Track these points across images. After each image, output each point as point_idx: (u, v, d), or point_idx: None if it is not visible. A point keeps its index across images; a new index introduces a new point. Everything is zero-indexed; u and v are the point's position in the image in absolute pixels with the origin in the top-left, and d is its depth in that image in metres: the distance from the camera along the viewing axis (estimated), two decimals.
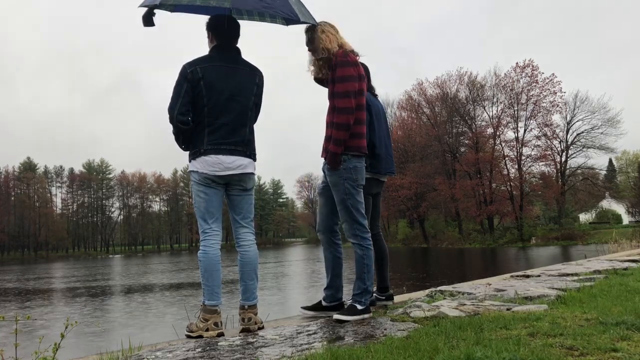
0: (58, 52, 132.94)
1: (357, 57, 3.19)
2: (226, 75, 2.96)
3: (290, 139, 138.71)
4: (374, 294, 3.71)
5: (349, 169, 3.11)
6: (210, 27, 3.07)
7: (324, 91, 3.33)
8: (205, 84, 2.90)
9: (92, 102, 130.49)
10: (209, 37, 3.09)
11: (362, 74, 3.15)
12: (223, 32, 3.03)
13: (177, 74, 2.95)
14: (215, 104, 2.92)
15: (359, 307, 3.10)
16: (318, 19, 3.20)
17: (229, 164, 2.92)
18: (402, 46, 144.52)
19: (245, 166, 2.98)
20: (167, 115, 2.92)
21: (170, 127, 2.96)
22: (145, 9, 2.89)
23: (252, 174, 3.06)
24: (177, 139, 3.00)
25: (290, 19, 3.07)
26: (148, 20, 2.91)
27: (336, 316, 3.08)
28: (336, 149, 3.05)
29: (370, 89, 3.77)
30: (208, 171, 2.91)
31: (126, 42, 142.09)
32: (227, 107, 2.94)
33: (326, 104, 3.34)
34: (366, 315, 3.10)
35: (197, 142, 2.94)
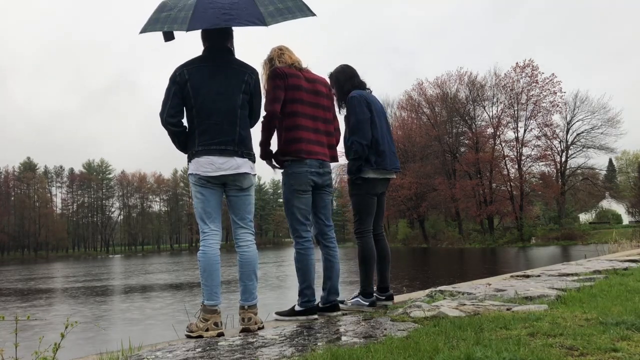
0: (54, 52, 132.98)
1: (295, 70, 3.34)
2: (211, 75, 2.97)
3: None
4: (374, 294, 3.71)
5: (288, 174, 3.32)
6: (201, 36, 3.12)
7: None
8: (192, 85, 2.92)
9: (90, 102, 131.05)
10: (202, 42, 3.13)
11: (294, 83, 3.29)
12: (211, 35, 3.05)
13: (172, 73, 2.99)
14: (202, 104, 2.93)
15: (296, 308, 3.29)
16: (313, 22, 3.17)
17: (220, 164, 2.91)
18: (402, 47, 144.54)
19: (238, 166, 2.96)
20: (159, 120, 2.95)
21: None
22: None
23: (248, 173, 3.03)
24: (173, 142, 3.03)
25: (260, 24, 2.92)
26: (168, 35, 2.97)
27: (274, 313, 3.38)
28: (260, 151, 3.33)
29: (362, 85, 3.82)
30: (201, 172, 2.92)
31: (122, 42, 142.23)
32: (214, 107, 2.94)
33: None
34: (302, 317, 3.23)
35: (191, 144, 2.96)
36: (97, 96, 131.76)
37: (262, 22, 2.86)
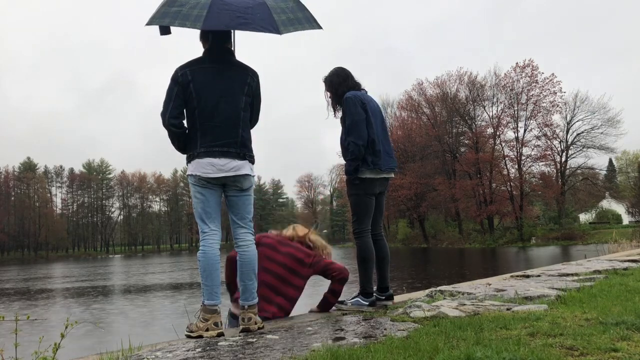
0: (52, 51, 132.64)
1: None
2: (215, 77, 2.96)
3: (290, 138, 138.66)
4: (374, 294, 3.70)
5: None
6: (200, 36, 3.11)
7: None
8: (195, 86, 2.92)
9: (88, 101, 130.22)
10: (201, 42, 3.12)
11: None
12: (212, 36, 3.04)
13: (171, 72, 2.97)
14: (205, 106, 2.92)
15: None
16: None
17: (221, 166, 2.91)
18: (401, 47, 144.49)
19: (239, 168, 2.97)
20: (160, 120, 2.95)
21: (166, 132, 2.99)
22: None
23: (248, 175, 3.03)
24: (173, 143, 3.02)
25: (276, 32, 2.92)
26: (164, 29, 2.95)
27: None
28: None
29: (356, 86, 3.82)
30: (201, 173, 2.92)
31: (120, 41, 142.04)
32: (217, 109, 2.93)
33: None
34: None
35: (192, 145, 2.96)
36: (96, 96, 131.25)
37: (276, 30, 2.86)
